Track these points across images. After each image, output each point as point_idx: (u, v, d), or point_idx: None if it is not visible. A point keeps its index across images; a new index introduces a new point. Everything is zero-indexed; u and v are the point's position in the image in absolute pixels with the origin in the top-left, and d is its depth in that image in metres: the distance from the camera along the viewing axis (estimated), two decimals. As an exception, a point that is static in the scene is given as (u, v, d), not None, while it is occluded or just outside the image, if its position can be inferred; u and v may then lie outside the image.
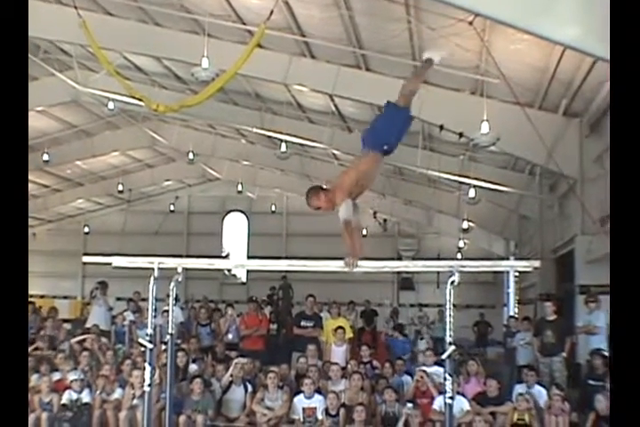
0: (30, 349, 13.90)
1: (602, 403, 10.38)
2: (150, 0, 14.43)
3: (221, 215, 33.76)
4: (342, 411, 11.23)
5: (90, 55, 16.80)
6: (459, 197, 23.53)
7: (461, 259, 26.76)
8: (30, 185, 26.43)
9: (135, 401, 11.38)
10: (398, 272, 27.51)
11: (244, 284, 31.96)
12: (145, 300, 11.17)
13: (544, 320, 13.57)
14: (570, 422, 10.90)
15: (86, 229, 33.72)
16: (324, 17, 12.90)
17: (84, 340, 14.75)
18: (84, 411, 11.68)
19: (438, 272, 14.26)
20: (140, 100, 14.71)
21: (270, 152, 22.73)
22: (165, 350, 9.39)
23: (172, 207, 33.05)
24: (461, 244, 29.39)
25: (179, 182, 33.08)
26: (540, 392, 11.62)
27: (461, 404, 10.79)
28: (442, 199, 25.25)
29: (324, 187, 7.07)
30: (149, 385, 6.97)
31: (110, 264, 7.25)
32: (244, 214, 33.72)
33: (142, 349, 10.78)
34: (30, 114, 18.02)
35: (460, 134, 15.07)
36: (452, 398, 6.44)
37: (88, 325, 16.42)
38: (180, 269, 7.09)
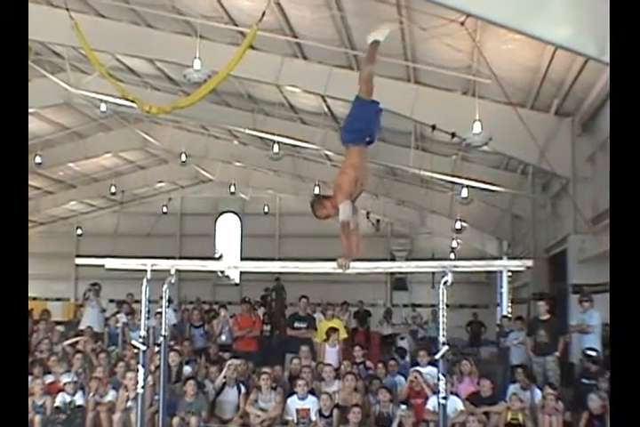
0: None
1: (595, 402, 10.41)
2: (142, 2, 14.42)
3: (214, 217, 33.75)
4: (336, 412, 11.22)
5: (82, 57, 16.76)
6: (451, 197, 23.57)
7: (454, 259, 26.77)
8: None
9: (129, 403, 11.35)
10: (391, 273, 27.51)
11: (236, 285, 31.93)
12: (138, 302, 11.16)
13: (537, 320, 13.57)
14: (563, 421, 10.90)
15: (79, 231, 33.73)
16: (315, 18, 12.90)
17: (76, 342, 14.72)
18: (77, 413, 11.64)
19: (433, 272, 14.24)
20: (132, 101, 14.69)
21: (263, 153, 22.73)
22: (159, 352, 9.37)
23: (164, 209, 33.01)
24: (454, 244, 29.42)
25: (171, 184, 33.03)
26: (533, 392, 11.65)
27: (455, 404, 10.80)
28: (435, 199, 25.27)
29: (326, 195, 7.08)
30: (143, 387, 6.96)
31: (103, 266, 7.24)
32: (237, 216, 33.72)
33: (135, 351, 10.75)
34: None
35: (453, 134, 15.08)
36: (445, 398, 6.45)
37: (81, 327, 16.40)
38: (172, 271, 7.09)
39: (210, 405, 11.73)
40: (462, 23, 10.86)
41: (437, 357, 6.43)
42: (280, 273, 22.02)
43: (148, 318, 9.34)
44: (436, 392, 8.11)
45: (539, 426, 10.93)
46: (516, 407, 10.95)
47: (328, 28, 13.39)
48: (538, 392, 11.56)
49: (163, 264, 7.21)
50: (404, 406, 11.21)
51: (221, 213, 33.85)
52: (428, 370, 11.94)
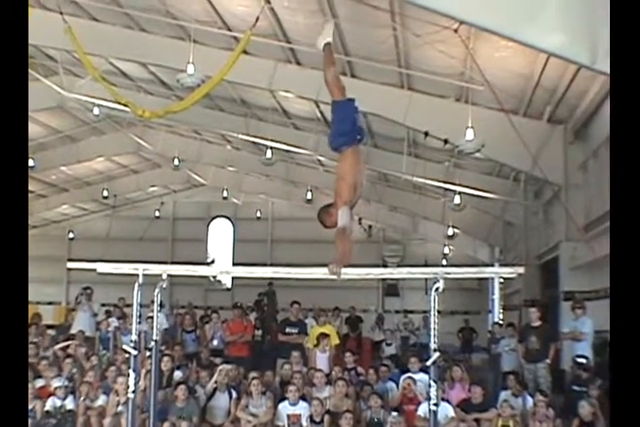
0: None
1: (585, 409, 10.41)
2: (136, 6, 14.42)
3: (206, 221, 33.70)
4: (327, 418, 11.17)
5: (75, 61, 16.77)
6: (444, 203, 23.58)
7: (446, 265, 26.78)
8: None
9: (119, 408, 11.32)
10: (383, 279, 27.49)
11: (228, 290, 31.86)
12: (130, 306, 11.13)
13: (529, 326, 13.56)
14: (554, 428, 10.92)
15: (71, 235, 33.63)
16: (309, 23, 12.91)
17: (67, 346, 14.67)
18: (67, 418, 11.59)
19: (425, 279, 14.23)
20: (125, 105, 14.66)
21: (256, 158, 22.75)
22: (150, 357, 9.34)
23: (157, 213, 33.01)
24: (446, 250, 29.44)
25: (164, 188, 33.03)
26: (524, 399, 11.66)
27: (446, 410, 10.78)
28: (427, 206, 25.30)
29: (328, 204, 7.07)
30: (133, 392, 6.94)
31: (95, 270, 7.21)
32: (230, 220, 33.68)
33: (127, 355, 10.72)
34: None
35: (445, 141, 15.11)
36: (436, 404, 6.43)
37: (73, 331, 16.35)
38: (164, 276, 7.07)
39: (201, 410, 11.68)
40: (455, 30, 10.90)
41: (429, 363, 6.41)
42: (272, 278, 21.99)
43: (140, 323, 9.31)
44: (427, 399, 8.09)
45: (529, 433, 10.93)
46: (507, 414, 10.93)
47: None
48: (529, 399, 11.55)
49: (155, 269, 7.18)
50: (395, 413, 11.20)
51: (214, 218, 33.81)
52: (420, 377, 11.93)
